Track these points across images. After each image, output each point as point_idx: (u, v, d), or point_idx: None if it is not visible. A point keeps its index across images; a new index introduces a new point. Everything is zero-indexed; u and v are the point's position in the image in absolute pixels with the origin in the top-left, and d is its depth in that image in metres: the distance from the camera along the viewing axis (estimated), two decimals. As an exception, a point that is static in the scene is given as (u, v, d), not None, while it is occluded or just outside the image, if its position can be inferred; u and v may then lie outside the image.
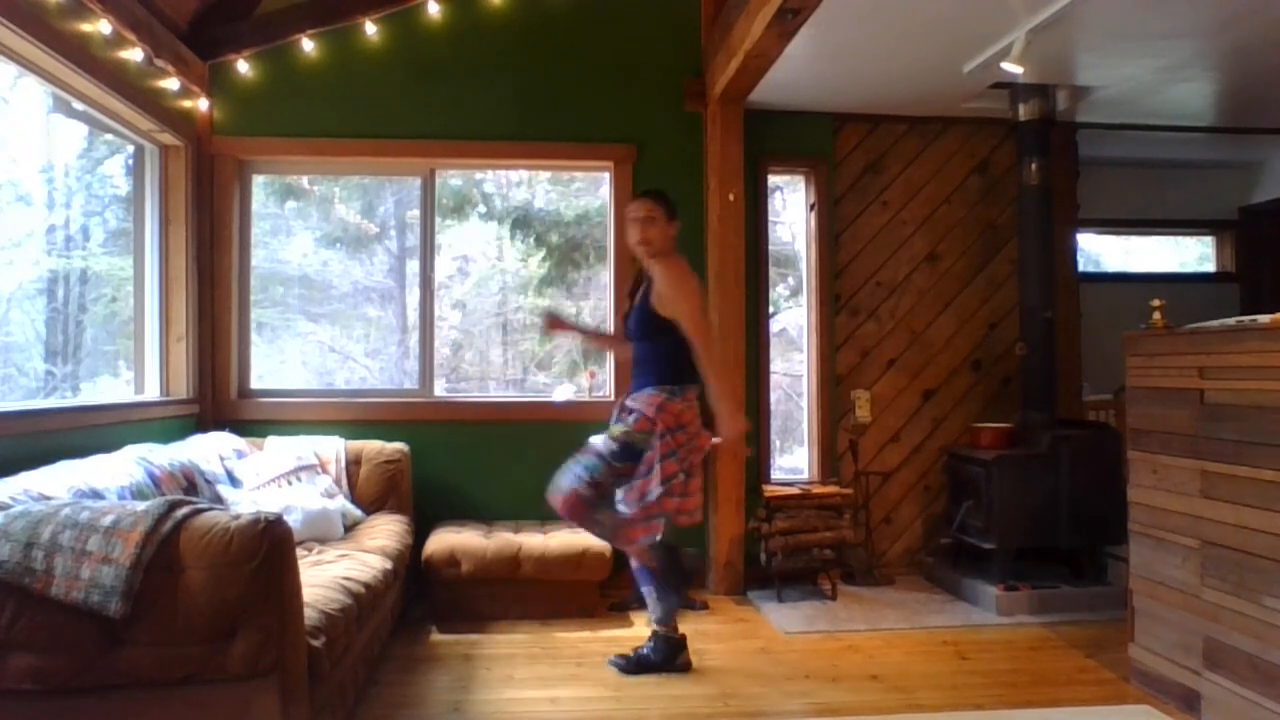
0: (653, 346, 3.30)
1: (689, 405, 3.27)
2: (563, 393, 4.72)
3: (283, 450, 4.03)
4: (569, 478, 3.25)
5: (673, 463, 3.19)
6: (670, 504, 3.22)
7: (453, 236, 5.15)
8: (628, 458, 3.23)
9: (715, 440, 3.38)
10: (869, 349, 4.93)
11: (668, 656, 3.35)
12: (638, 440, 3.21)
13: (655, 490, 3.17)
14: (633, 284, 3.52)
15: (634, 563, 3.38)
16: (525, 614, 4.00)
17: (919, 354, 4.96)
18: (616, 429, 3.27)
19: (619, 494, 3.30)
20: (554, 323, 3.60)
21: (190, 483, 3.31)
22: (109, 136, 4.10)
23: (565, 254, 5.11)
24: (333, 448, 4.21)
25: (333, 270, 5.01)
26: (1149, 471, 3.13)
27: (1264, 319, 2.68)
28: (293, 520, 3.25)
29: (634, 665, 3.36)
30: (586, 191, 5.19)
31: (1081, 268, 5.24)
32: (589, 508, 3.23)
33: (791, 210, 5.61)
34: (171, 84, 4.03)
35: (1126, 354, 3.26)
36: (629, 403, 3.30)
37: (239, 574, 2.16)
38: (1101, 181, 5.56)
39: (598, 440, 3.29)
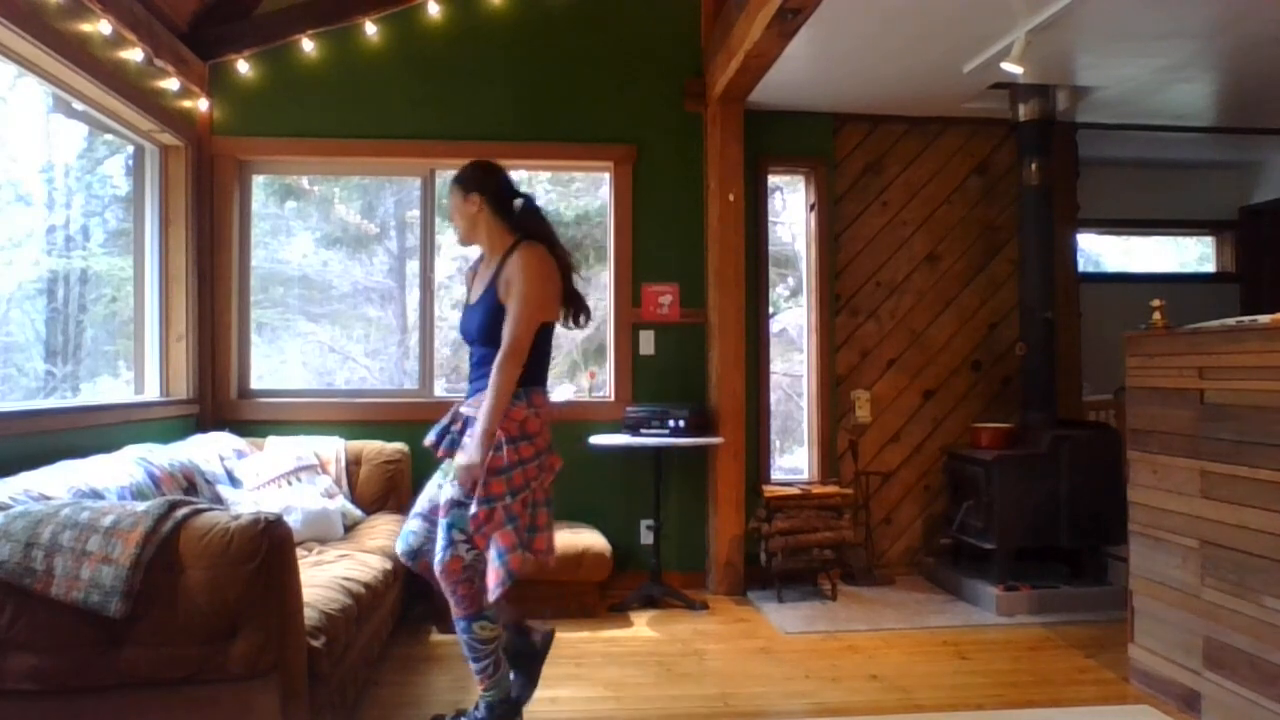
0: (495, 347, 2.59)
1: (536, 413, 2.63)
2: (562, 393, 4.72)
3: (283, 450, 4.03)
4: (443, 543, 2.57)
5: (501, 482, 2.52)
6: (507, 538, 2.52)
7: (452, 237, 5.14)
8: None
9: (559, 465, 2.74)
10: (869, 349, 4.93)
11: None
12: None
13: (473, 509, 2.51)
14: (467, 281, 2.91)
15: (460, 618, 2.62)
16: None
17: (919, 354, 4.96)
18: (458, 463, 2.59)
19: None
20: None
21: (190, 483, 3.31)
22: (109, 136, 4.09)
23: (565, 254, 5.10)
24: (333, 448, 4.21)
25: (333, 270, 5.01)
26: (1149, 471, 3.13)
27: (1264, 319, 2.68)
28: (293, 520, 3.26)
29: None
30: (586, 192, 5.19)
31: (1081, 268, 5.25)
32: (473, 569, 2.57)
33: (791, 210, 5.61)
34: (171, 84, 4.03)
35: (1126, 354, 3.26)
36: (464, 410, 2.69)
37: (239, 574, 2.16)
38: (1101, 181, 5.55)
39: (448, 489, 2.60)
